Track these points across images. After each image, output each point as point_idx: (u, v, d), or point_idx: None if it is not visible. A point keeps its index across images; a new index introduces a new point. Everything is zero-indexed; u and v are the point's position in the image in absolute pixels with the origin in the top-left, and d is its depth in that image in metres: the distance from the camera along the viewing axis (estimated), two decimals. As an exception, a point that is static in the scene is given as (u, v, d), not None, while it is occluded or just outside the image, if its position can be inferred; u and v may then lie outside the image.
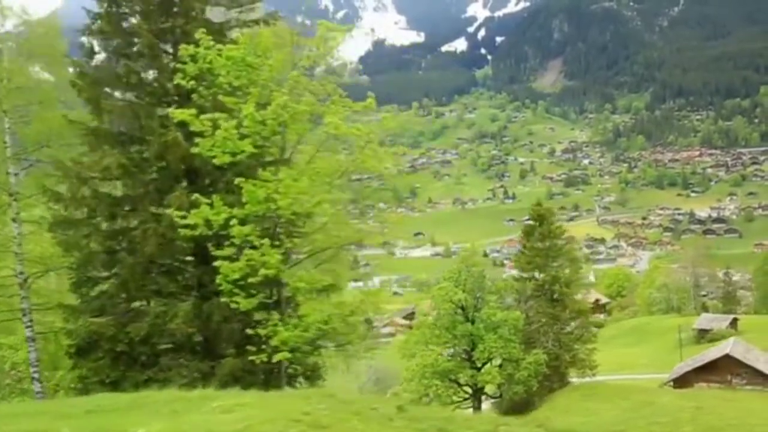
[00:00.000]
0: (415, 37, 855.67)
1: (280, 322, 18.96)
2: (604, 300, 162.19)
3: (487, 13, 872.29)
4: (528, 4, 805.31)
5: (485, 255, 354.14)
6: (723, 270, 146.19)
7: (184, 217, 18.91)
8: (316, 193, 19.73)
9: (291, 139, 20.81)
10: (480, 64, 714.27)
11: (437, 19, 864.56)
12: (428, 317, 51.32)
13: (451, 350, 49.63)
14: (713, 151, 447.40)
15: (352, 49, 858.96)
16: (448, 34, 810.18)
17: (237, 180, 19.14)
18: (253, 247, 18.43)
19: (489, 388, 51.07)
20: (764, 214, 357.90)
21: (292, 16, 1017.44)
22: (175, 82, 20.61)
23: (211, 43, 19.47)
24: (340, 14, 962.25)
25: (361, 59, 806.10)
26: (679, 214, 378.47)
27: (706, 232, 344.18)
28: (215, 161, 19.25)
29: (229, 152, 18.92)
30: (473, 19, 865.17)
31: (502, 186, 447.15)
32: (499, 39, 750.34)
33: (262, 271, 18.14)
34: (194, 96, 20.22)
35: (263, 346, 19.00)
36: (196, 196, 19.46)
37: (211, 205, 18.80)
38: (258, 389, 17.51)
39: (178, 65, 20.10)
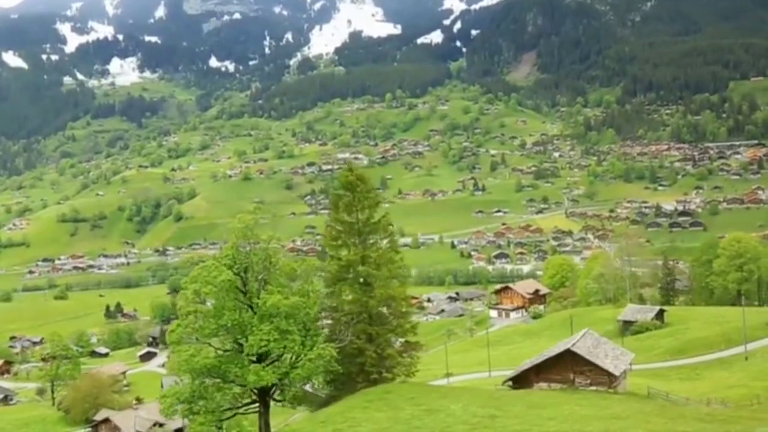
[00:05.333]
0: (392, 29, 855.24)
1: None
2: (544, 290, 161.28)
3: (463, 6, 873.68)
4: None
5: (453, 246, 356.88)
6: (660, 260, 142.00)
7: None
8: None
9: None
10: (455, 56, 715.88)
11: (414, 12, 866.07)
12: (193, 303, 40.40)
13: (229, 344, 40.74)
14: (681, 145, 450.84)
15: (328, 40, 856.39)
16: (425, 26, 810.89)
17: None
18: None
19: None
20: (729, 207, 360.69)
21: (270, 6, 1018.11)
22: None
23: None
24: (318, 5, 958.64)
25: (337, 50, 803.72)
26: (645, 207, 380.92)
27: (672, 225, 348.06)
28: None
29: None
30: (449, 11, 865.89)
31: (472, 178, 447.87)
32: (474, 32, 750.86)
33: None
34: None
35: None
36: None
37: None
38: None
39: None
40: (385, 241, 45.71)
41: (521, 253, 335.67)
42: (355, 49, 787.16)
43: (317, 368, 39.22)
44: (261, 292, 39.52)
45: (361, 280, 44.07)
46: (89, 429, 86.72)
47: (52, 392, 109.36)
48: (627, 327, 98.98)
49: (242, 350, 38.95)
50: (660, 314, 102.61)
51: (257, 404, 40.14)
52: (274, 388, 39.94)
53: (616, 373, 47.18)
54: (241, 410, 41.46)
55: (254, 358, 38.60)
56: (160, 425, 70.85)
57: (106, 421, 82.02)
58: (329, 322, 44.34)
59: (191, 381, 38.97)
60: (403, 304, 46.64)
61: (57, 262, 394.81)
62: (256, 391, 39.71)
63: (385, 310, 44.80)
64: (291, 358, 39.41)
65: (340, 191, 45.73)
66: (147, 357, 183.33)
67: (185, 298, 40.08)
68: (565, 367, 48.11)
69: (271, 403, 41.48)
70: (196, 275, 39.56)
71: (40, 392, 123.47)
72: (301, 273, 41.77)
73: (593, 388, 46.71)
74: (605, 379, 46.87)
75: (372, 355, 42.76)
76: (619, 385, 48.20)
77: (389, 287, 44.51)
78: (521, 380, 50.30)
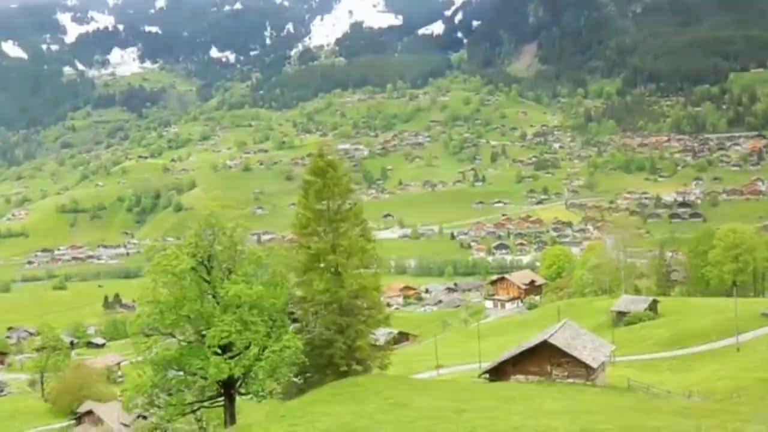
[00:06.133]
0: (393, 19, 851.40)
1: None
2: (540, 281, 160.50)
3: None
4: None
5: (453, 237, 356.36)
6: (656, 250, 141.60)
7: None
8: None
9: None
10: (456, 47, 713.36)
11: (415, 2, 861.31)
12: (153, 293, 38.24)
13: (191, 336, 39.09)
14: (681, 136, 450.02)
15: (329, 31, 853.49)
16: (426, 17, 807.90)
17: None
18: None
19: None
20: (728, 199, 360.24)
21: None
22: None
23: None
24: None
25: (338, 41, 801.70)
26: (645, 198, 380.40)
27: (671, 216, 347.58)
28: None
29: None
30: (450, 2, 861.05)
31: (472, 169, 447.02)
32: (475, 23, 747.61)
33: None
34: None
35: None
36: None
37: None
38: None
39: None
40: (356, 230, 43.83)
41: (521, 244, 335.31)
42: (356, 39, 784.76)
43: (282, 361, 37.60)
44: (225, 281, 37.92)
45: (332, 269, 42.12)
46: (73, 421, 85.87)
47: (42, 384, 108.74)
48: (620, 318, 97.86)
49: (203, 342, 37.25)
50: (653, 305, 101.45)
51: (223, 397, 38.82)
52: (239, 381, 38.57)
53: (594, 365, 45.69)
54: (206, 403, 39.99)
55: (217, 350, 36.87)
56: (144, 417, 69.93)
57: (90, 413, 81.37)
58: (299, 312, 42.68)
59: (153, 374, 37.73)
60: (375, 294, 44.77)
61: (56, 252, 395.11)
62: (220, 383, 38.15)
63: (356, 300, 42.69)
64: (257, 350, 37.91)
65: (310, 177, 43.49)
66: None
67: (145, 287, 38.50)
68: (542, 359, 46.75)
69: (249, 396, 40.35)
70: (156, 264, 37.81)
71: (32, 383, 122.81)
72: (269, 262, 40.26)
73: (570, 380, 45.41)
74: (583, 371, 45.56)
75: (341, 347, 40.85)
76: (597, 378, 46.49)
77: (360, 277, 42.75)
78: (498, 372, 48.83)
